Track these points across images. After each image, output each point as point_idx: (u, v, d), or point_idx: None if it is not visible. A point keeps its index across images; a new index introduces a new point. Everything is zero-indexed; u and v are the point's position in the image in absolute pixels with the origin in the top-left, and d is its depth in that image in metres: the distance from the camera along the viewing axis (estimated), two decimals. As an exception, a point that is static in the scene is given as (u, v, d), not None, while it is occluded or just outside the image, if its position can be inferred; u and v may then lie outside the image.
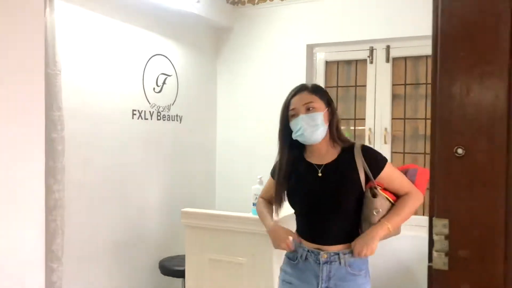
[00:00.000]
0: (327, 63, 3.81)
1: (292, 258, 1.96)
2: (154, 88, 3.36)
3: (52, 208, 2.48)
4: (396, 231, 1.91)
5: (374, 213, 1.80)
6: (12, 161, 2.21)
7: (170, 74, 3.51)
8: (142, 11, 3.20)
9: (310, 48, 3.78)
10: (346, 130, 3.73)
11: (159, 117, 3.40)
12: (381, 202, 1.82)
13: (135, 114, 3.18)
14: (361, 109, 3.68)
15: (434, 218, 0.88)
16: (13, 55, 2.17)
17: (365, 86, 3.64)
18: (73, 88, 2.70)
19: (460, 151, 0.89)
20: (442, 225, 0.88)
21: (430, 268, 0.91)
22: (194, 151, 3.80)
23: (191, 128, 3.74)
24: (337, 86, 3.81)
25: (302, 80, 3.75)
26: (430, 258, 0.90)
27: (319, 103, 1.90)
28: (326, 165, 1.90)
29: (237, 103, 4.01)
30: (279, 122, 1.97)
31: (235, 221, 2.56)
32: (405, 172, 1.97)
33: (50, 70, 2.38)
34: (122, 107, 3.07)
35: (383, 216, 1.83)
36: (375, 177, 1.86)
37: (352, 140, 1.98)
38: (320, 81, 3.79)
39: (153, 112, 3.34)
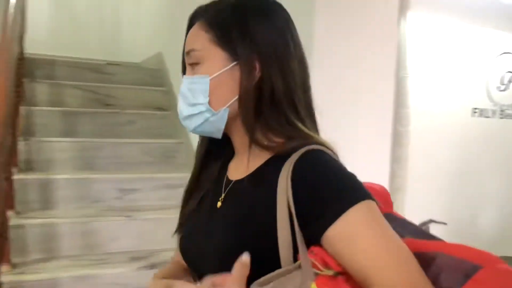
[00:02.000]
0: None
1: None
2: (498, 87, 3.37)
3: (395, 190, 2.93)
4: None
5: None
6: (363, 148, 2.78)
7: (517, 72, 3.44)
8: (490, 10, 3.27)
9: None
10: None
11: (501, 116, 3.39)
12: None
13: (475, 112, 3.29)
14: None
15: None
16: (369, 60, 2.71)
17: None
18: (420, 89, 3.07)
19: None
20: None
21: None
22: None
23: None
24: None
25: None
26: None
27: (211, 52, 0.78)
28: (236, 183, 0.84)
29: None
30: None
31: None
32: (427, 258, 0.69)
33: (402, 74, 2.81)
34: (462, 105, 3.25)
35: None
36: (315, 240, 0.68)
37: (314, 138, 0.77)
38: None
39: (495, 110, 3.36)
